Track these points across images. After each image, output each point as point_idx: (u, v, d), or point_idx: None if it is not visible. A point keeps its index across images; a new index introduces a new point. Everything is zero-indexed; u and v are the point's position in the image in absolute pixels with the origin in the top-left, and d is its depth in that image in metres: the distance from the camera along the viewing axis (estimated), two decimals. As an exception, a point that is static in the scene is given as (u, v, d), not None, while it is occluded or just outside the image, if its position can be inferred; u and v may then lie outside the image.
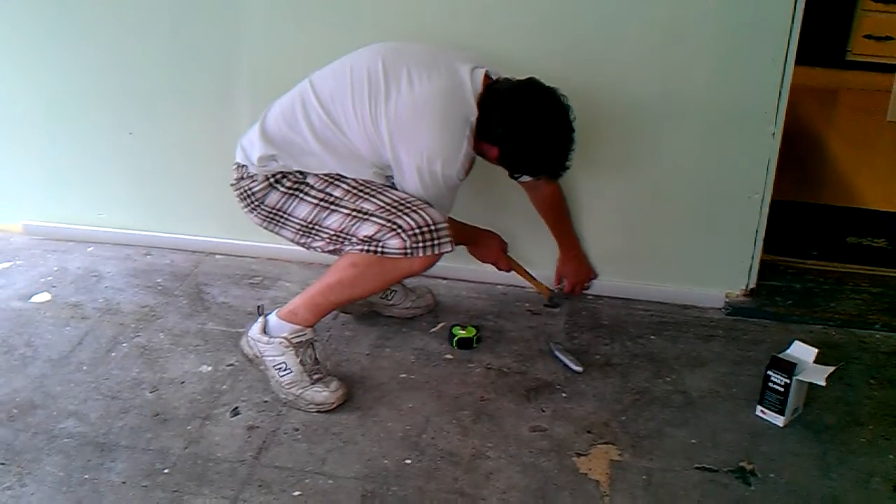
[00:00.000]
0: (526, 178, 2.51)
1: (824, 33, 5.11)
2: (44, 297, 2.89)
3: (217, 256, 3.17)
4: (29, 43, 3.00)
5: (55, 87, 3.05)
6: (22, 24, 2.98)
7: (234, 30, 2.85)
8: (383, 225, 2.25)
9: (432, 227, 2.25)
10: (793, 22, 2.53)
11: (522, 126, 2.27)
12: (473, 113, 2.27)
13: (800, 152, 4.19)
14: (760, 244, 2.84)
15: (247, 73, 2.89)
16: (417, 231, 2.24)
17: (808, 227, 3.50)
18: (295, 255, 3.06)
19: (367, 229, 2.26)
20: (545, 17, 2.65)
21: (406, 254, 2.25)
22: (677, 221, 2.87)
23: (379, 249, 2.26)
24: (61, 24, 2.95)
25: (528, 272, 2.83)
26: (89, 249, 3.20)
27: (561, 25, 2.65)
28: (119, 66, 2.98)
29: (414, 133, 2.26)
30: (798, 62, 2.59)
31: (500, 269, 2.81)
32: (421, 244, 2.25)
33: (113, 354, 2.60)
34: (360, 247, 2.28)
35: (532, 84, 2.30)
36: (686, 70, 2.65)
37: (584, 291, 2.94)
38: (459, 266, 2.84)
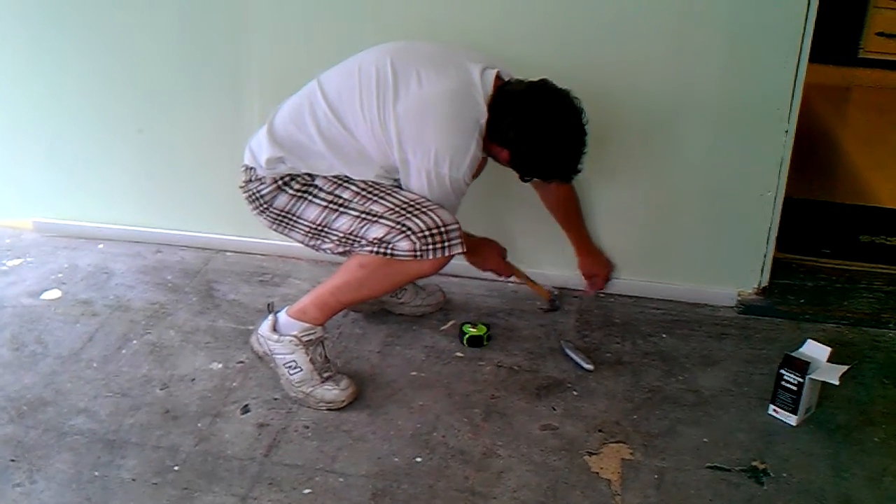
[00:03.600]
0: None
1: (836, 31, 5.07)
2: (54, 293, 2.89)
3: (227, 254, 3.17)
4: (39, 41, 3.00)
5: (65, 84, 3.05)
6: (32, 23, 2.98)
7: (243, 27, 2.84)
8: (392, 227, 2.23)
9: (442, 229, 2.24)
10: (806, 19, 2.51)
11: (534, 129, 2.24)
12: (483, 115, 2.25)
13: (812, 150, 4.16)
14: (773, 242, 2.83)
15: (256, 70, 2.89)
16: (427, 233, 2.22)
17: (821, 226, 3.48)
18: (305, 253, 3.03)
19: (376, 231, 2.25)
20: (556, 18, 2.64)
21: (416, 256, 2.23)
22: (690, 219, 2.85)
23: (388, 251, 2.24)
24: (71, 21, 2.95)
25: (527, 276, 2.82)
26: (100, 246, 3.20)
27: (571, 25, 2.64)
28: (129, 64, 2.98)
29: (422, 134, 2.23)
30: (810, 60, 2.58)
31: (499, 276, 2.79)
32: (431, 246, 2.23)
33: (123, 352, 2.60)
34: (369, 248, 2.27)
35: (545, 86, 2.27)
36: (699, 68, 2.63)
37: (601, 289, 2.91)
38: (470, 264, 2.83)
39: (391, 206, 2.26)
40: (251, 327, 2.50)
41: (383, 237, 2.24)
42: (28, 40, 3.01)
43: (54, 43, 3.00)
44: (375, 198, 2.29)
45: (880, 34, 5.38)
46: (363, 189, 2.31)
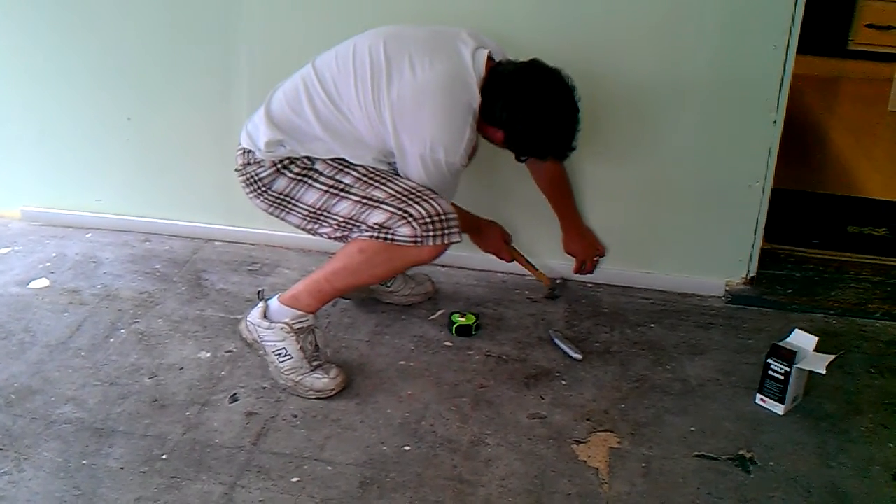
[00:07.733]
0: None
1: (826, 22, 5.08)
2: (42, 282, 2.89)
3: (216, 243, 3.16)
4: (26, 28, 2.98)
5: (53, 72, 3.03)
6: (19, 9, 2.96)
7: (232, 15, 2.83)
8: (394, 213, 2.24)
9: (442, 217, 2.25)
10: (795, 9, 2.52)
11: (527, 109, 2.25)
12: (476, 99, 2.26)
13: (801, 141, 4.17)
14: (761, 233, 2.84)
15: (245, 59, 2.88)
16: (428, 220, 2.23)
17: (809, 216, 3.49)
18: (293, 242, 3.06)
19: (377, 216, 2.26)
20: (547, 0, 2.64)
21: (416, 242, 2.24)
22: (678, 209, 2.86)
23: (389, 236, 2.25)
24: (59, 8, 2.94)
25: (529, 262, 2.83)
26: (88, 235, 3.19)
27: (562, 8, 2.63)
28: (117, 52, 2.96)
29: (417, 122, 2.24)
30: (799, 51, 2.58)
31: (501, 259, 2.81)
32: (431, 233, 2.24)
33: (111, 340, 2.59)
34: (369, 233, 2.27)
35: (535, 66, 2.28)
36: (687, 57, 2.63)
37: (591, 271, 2.89)
38: (459, 254, 2.83)
39: (392, 192, 2.27)
40: (240, 316, 2.50)
41: (384, 222, 2.25)
42: (15, 28, 2.99)
43: (41, 31, 2.98)
44: (377, 183, 2.29)
45: (870, 26, 5.38)
46: (364, 174, 2.31)
